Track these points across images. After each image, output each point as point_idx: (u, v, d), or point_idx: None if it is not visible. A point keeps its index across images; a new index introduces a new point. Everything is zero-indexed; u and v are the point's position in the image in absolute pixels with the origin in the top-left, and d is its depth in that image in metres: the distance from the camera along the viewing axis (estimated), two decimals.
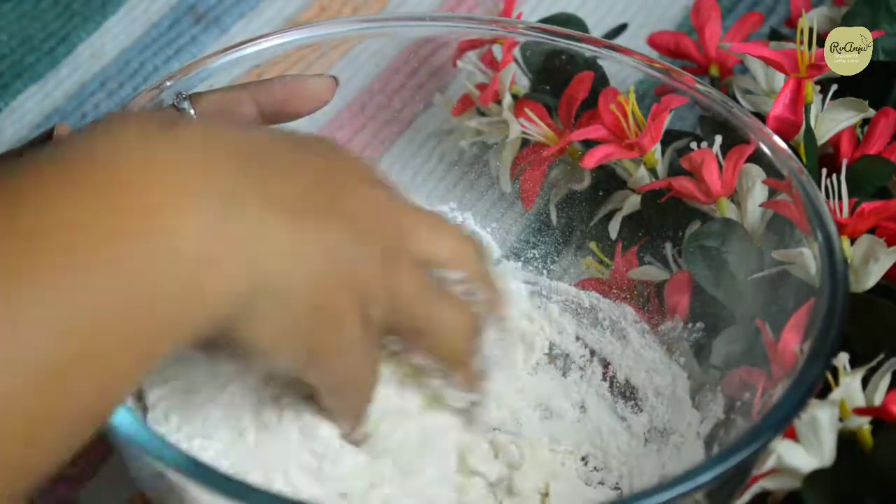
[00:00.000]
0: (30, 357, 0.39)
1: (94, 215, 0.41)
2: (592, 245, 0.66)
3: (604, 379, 0.63)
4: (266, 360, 0.49)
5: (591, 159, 0.63)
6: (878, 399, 0.54)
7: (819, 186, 0.59)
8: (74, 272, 0.41)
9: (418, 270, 0.50)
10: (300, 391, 0.54)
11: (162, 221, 0.42)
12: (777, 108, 0.63)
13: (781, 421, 0.48)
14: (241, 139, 0.47)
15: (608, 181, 0.66)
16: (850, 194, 0.60)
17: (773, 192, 0.60)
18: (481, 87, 0.69)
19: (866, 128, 0.64)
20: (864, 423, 0.54)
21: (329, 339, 0.48)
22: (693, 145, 0.63)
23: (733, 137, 0.61)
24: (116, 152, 0.43)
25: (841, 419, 0.53)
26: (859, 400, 0.54)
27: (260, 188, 0.45)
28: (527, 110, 0.67)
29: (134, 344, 0.42)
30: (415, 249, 0.50)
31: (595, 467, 0.60)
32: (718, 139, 0.61)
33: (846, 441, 0.53)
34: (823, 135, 0.64)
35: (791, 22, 0.73)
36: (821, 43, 0.63)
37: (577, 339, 0.64)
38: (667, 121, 0.63)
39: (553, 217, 0.67)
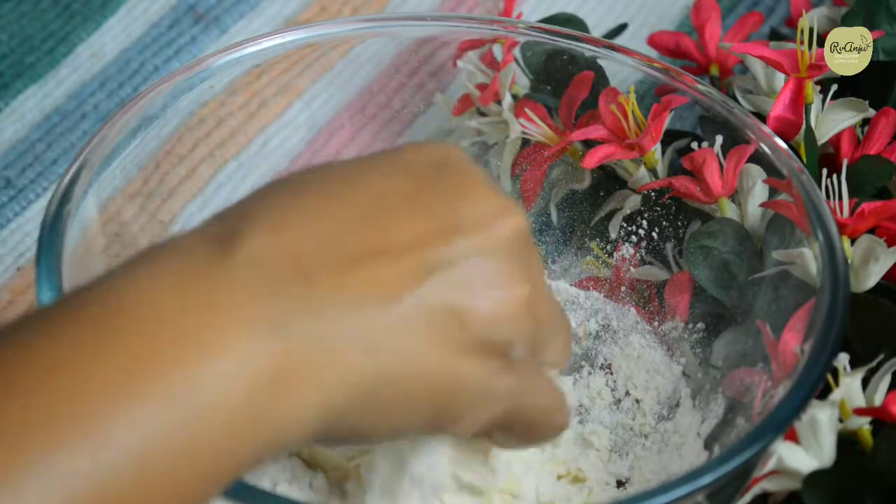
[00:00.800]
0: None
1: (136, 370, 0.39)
2: (593, 245, 0.66)
3: (604, 379, 0.63)
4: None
5: (592, 159, 0.63)
6: (878, 399, 0.55)
7: (819, 186, 0.59)
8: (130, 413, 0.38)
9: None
10: None
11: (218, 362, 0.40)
12: (777, 108, 0.63)
13: (783, 422, 0.48)
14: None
15: (608, 181, 0.66)
16: (851, 194, 0.60)
17: (773, 192, 0.60)
18: (481, 87, 0.69)
19: (866, 128, 0.64)
20: (864, 424, 0.54)
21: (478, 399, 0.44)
22: (693, 145, 0.63)
23: (734, 137, 0.61)
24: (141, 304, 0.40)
25: (841, 420, 0.53)
26: (859, 400, 0.54)
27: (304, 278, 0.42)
28: (527, 110, 0.67)
29: (203, 468, 0.40)
30: None
31: None
32: (719, 139, 0.61)
33: (846, 441, 0.53)
34: (823, 135, 0.64)
35: (791, 22, 0.73)
36: (821, 43, 0.63)
37: (577, 339, 0.64)
38: (667, 121, 0.63)
39: (553, 217, 0.67)
